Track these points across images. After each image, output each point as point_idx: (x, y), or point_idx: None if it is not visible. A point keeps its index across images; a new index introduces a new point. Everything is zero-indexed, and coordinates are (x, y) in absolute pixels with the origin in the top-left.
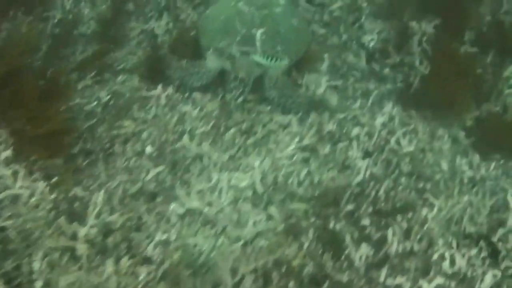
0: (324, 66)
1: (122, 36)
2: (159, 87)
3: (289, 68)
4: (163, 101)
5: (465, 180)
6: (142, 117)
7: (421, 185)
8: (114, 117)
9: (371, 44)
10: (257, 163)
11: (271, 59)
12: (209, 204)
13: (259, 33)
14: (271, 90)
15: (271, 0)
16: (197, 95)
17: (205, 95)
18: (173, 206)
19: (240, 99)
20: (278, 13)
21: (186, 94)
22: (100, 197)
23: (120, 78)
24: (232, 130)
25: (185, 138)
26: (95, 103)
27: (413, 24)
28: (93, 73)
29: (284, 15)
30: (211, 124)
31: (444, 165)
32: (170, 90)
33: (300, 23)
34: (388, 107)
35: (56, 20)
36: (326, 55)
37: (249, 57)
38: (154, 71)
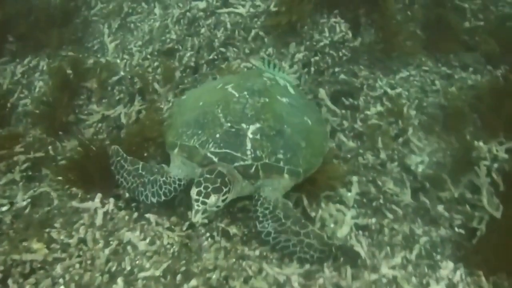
0: (351, 194)
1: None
2: (97, 198)
3: (297, 190)
4: (98, 219)
5: None
6: (62, 241)
7: None
8: (21, 234)
9: (420, 168)
10: None
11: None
12: None
13: (251, 130)
14: (264, 222)
15: (275, 85)
16: (151, 217)
17: (163, 218)
18: None
19: (215, 233)
20: (283, 106)
21: (135, 214)
22: None
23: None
24: (195, 283)
25: (119, 283)
26: (5, 208)
27: (479, 144)
28: (24, 166)
29: (292, 109)
30: (163, 267)
31: None
32: (111, 204)
33: (316, 124)
34: (445, 266)
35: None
36: (354, 178)
37: (232, 163)
38: (98, 176)
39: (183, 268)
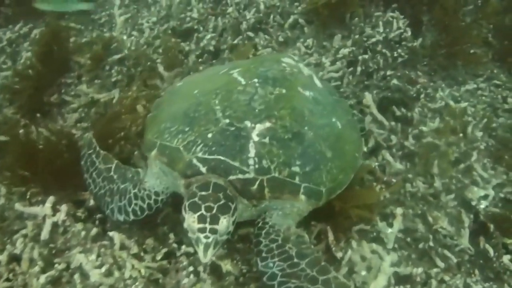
0: (392, 231)
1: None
2: (49, 202)
3: (317, 217)
4: (45, 231)
5: None
6: None
7: None
8: None
9: (482, 205)
10: None
11: None
12: None
13: (257, 130)
14: (269, 260)
15: (297, 74)
16: (116, 236)
17: (133, 240)
18: None
19: (201, 268)
20: (305, 101)
21: (96, 230)
22: None
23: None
24: None
25: None
26: None
27: None
28: None
29: (318, 107)
30: None
31: None
32: (63, 213)
33: (348, 128)
34: None
35: None
36: (398, 210)
37: (226, 176)
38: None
39: None
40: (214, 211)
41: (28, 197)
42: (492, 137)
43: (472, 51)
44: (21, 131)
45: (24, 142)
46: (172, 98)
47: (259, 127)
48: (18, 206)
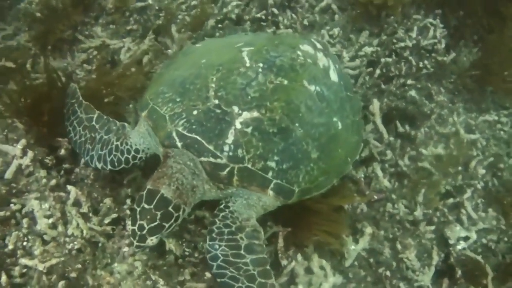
0: (356, 248)
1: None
2: (20, 144)
3: (283, 216)
4: (10, 170)
5: None
6: None
7: None
8: None
9: (459, 245)
10: None
11: None
12: None
13: (242, 118)
14: (216, 242)
15: (309, 65)
16: (73, 191)
17: (90, 198)
18: None
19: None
20: (306, 95)
21: (56, 180)
22: None
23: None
24: None
25: None
26: None
27: None
28: None
29: (319, 104)
30: (50, 262)
31: None
32: (28, 159)
33: (348, 130)
34: None
35: None
36: (368, 230)
37: (198, 156)
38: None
39: (73, 275)
40: (145, 232)
41: (5, 132)
42: (496, 178)
43: (508, 80)
44: (29, 60)
45: (27, 73)
46: (182, 60)
47: (245, 115)
48: None
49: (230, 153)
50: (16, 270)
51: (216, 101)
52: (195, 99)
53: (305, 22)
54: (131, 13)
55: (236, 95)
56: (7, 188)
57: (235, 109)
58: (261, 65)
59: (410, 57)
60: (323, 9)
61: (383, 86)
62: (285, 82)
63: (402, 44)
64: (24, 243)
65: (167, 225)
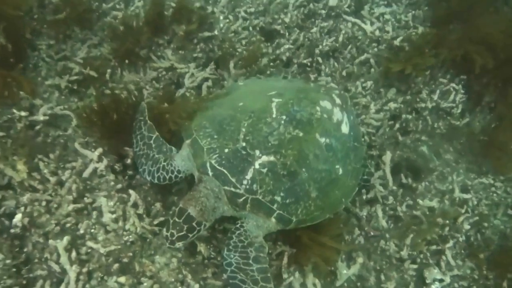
0: (347, 273)
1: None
2: (97, 151)
3: (291, 237)
4: (87, 171)
5: None
6: (44, 175)
7: None
8: (16, 148)
9: (433, 286)
10: None
11: None
12: None
13: (261, 160)
14: (232, 252)
15: (324, 120)
16: (133, 195)
17: (145, 201)
18: None
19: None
20: (316, 147)
21: (121, 185)
22: None
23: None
24: (123, 280)
25: (64, 241)
26: (24, 113)
27: None
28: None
29: (326, 153)
30: (110, 248)
31: None
32: (103, 164)
33: (347, 176)
34: None
35: None
36: (360, 259)
37: (223, 185)
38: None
39: (125, 260)
40: (174, 238)
41: (86, 139)
42: (480, 234)
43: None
44: (109, 70)
45: (106, 82)
46: (227, 96)
47: (264, 158)
48: (77, 145)
49: (247, 186)
50: (83, 249)
51: (244, 144)
52: (228, 139)
53: (344, 72)
54: (198, 41)
55: (260, 141)
56: (83, 185)
57: (257, 152)
58: (284, 117)
59: (428, 117)
60: (362, 62)
61: (400, 138)
62: (301, 134)
63: (423, 105)
64: (92, 230)
65: (191, 235)
